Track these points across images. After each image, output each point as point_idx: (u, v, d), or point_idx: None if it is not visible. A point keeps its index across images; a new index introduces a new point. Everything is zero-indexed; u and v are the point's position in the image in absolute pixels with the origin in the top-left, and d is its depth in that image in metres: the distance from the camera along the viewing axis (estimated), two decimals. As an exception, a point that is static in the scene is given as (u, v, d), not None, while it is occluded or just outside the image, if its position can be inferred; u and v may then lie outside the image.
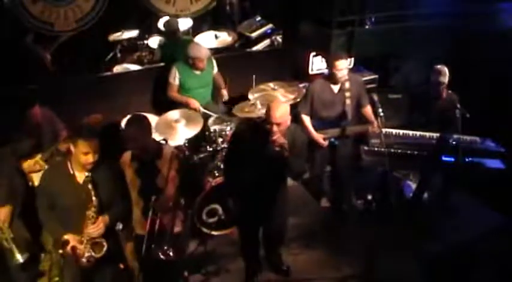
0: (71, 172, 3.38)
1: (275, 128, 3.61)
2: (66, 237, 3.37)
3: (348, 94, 4.73)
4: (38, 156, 4.27)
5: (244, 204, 4.03)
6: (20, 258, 3.74)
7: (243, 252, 4.39)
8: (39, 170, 4.22)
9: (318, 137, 4.78)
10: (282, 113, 3.63)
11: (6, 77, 4.99)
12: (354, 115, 4.84)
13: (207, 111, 5.32)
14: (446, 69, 4.86)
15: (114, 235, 3.64)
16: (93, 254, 3.36)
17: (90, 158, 3.30)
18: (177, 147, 4.34)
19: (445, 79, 4.86)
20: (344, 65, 4.60)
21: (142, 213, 3.65)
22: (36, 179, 4.11)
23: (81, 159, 3.30)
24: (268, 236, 4.35)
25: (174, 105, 5.40)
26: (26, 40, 5.60)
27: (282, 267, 4.56)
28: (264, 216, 4.08)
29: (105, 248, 3.37)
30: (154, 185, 3.56)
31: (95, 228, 3.34)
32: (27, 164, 4.26)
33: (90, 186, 3.30)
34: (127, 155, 3.67)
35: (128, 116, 3.77)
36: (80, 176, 3.38)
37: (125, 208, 3.61)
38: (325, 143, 4.80)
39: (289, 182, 4.25)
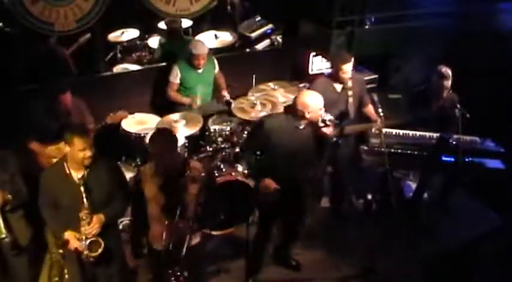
0: (67, 172, 3.39)
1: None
2: (66, 236, 3.38)
3: (350, 93, 4.73)
4: (62, 143, 4.28)
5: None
6: (5, 235, 3.73)
7: (255, 246, 4.39)
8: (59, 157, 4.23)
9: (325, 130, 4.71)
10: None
11: (30, 76, 5.10)
12: (356, 114, 4.83)
13: (206, 110, 5.32)
14: (450, 72, 4.85)
15: (114, 234, 3.64)
16: (89, 253, 3.37)
17: (87, 153, 3.33)
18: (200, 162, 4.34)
19: (449, 83, 4.87)
20: (350, 68, 4.61)
21: (164, 229, 3.59)
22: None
23: (79, 156, 3.33)
24: (290, 228, 4.46)
25: (173, 105, 5.40)
26: (49, 40, 5.65)
27: (291, 262, 4.61)
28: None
29: (101, 247, 3.37)
30: (179, 202, 3.49)
31: (90, 228, 3.35)
32: (50, 149, 4.29)
33: (82, 188, 3.32)
34: (149, 168, 3.58)
35: (154, 131, 3.72)
36: (77, 176, 3.40)
37: (123, 205, 3.62)
38: (333, 132, 4.44)
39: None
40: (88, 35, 5.85)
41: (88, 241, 3.36)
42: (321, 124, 3.87)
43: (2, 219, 3.69)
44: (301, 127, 3.92)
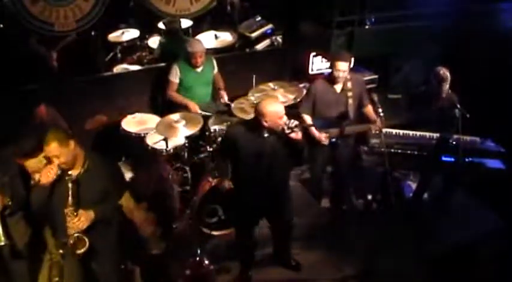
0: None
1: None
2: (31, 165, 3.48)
3: (350, 94, 4.73)
4: (41, 155, 4.26)
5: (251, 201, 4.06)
6: (4, 242, 3.74)
7: (240, 249, 4.42)
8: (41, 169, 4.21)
9: (320, 135, 4.76)
10: None
11: (11, 77, 4.99)
12: (356, 115, 4.84)
13: (206, 113, 5.32)
14: (448, 74, 4.85)
15: (109, 233, 3.65)
16: (73, 249, 3.38)
17: (52, 161, 3.36)
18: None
19: (447, 85, 4.87)
20: (344, 67, 4.59)
21: (161, 237, 3.66)
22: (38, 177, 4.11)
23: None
24: (278, 231, 4.43)
25: (173, 106, 5.40)
26: (30, 40, 5.59)
27: (291, 263, 4.60)
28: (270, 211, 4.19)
29: (85, 246, 3.38)
30: (170, 211, 3.57)
31: (76, 223, 3.35)
32: (30, 163, 4.26)
33: (69, 185, 3.34)
34: (125, 200, 3.68)
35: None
36: (73, 172, 3.42)
37: (115, 206, 3.64)
38: (327, 141, 4.76)
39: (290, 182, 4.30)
40: (73, 35, 5.77)
41: (73, 237, 3.36)
42: (287, 131, 3.75)
43: (1, 225, 3.69)
44: (265, 135, 3.84)
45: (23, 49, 5.54)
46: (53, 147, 3.33)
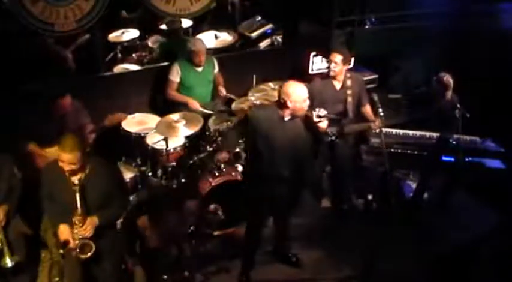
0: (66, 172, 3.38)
1: None
2: (60, 229, 3.40)
3: (349, 92, 4.74)
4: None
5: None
6: (9, 262, 3.76)
7: (247, 248, 4.42)
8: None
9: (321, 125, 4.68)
10: None
11: (26, 75, 5.06)
12: (355, 114, 4.84)
13: (207, 111, 5.32)
14: (451, 81, 4.85)
15: (111, 234, 3.65)
16: (79, 254, 3.38)
17: (65, 166, 3.30)
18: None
19: (450, 92, 4.88)
20: (338, 59, 4.61)
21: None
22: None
23: (60, 164, 3.32)
24: (282, 224, 4.49)
25: (173, 105, 5.40)
26: (47, 39, 5.63)
27: (292, 259, 4.62)
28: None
29: (92, 251, 3.38)
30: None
31: (82, 231, 3.36)
32: (48, 151, 4.29)
33: (77, 195, 3.31)
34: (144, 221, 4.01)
35: None
36: (76, 178, 3.38)
37: (120, 208, 3.64)
38: (325, 126, 4.26)
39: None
40: (87, 36, 5.83)
41: (79, 243, 3.36)
42: (316, 119, 3.80)
43: (7, 246, 3.69)
44: (287, 119, 3.83)
45: (40, 49, 5.61)
46: (74, 155, 3.26)
